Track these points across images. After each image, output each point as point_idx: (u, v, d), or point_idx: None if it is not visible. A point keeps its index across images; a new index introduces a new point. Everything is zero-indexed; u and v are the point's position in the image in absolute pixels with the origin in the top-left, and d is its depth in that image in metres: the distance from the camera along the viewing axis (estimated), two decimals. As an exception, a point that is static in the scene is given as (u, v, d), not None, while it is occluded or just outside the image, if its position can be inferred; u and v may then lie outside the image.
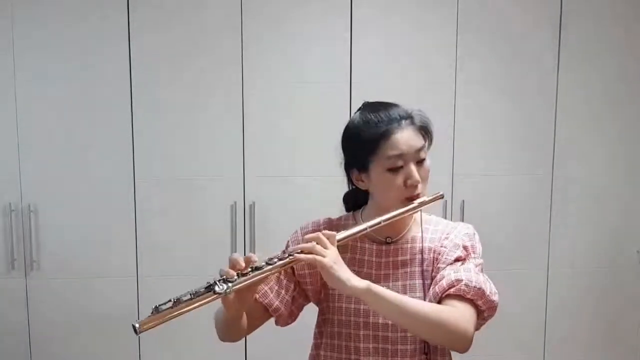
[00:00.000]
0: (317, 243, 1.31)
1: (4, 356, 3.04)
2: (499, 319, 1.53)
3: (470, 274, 1.38)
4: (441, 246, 1.45)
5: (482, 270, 1.43)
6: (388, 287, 1.39)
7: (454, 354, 1.51)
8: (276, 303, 1.47)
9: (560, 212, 3.19)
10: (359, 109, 1.46)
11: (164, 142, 3.01)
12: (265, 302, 1.46)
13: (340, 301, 1.47)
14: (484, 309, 1.38)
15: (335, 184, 1.60)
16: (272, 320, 1.51)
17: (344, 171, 1.50)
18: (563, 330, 3.27)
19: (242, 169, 3.04)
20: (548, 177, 3.17)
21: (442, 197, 1.48)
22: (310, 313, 1.57)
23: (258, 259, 1.29)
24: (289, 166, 3.06)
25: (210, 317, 1.46)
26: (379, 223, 1.39)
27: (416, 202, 1.41)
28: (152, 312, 1.19)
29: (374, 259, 1.48)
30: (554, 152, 3.16)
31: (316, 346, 1.55)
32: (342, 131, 1.47)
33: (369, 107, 1.44)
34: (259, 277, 1.28)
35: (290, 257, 1.30)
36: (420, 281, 1.44)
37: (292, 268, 1.46)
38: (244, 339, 2.98)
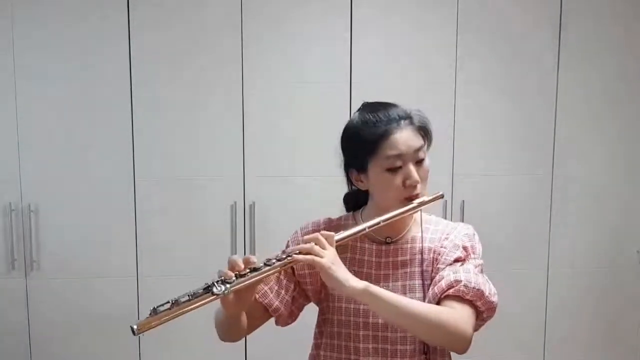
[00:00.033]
0: (316, 244, 1.31)
1: (4, 356, 3.04)
2: (499, 319, 1.53)
3: (470, 274, 1.38)
4: (441, 246, 1.45)
5: (482, 271, 1.43)
6: (388, 288, 1.39)
7: (453, 354, 1.50)
8: (276, 303, 1.47)
9: (560, 211, 3.19)
10: (358, 110, 1.46)
11: (164, 142, 3.01)
12: (265, 302, 1.46)
13: (340, 301, 1.46)
14: (483, 310, 1.38)
15: (335, 184, 1.60)
16: (272, 320, 1.51)
17: (344, 172, 1.50)
18: (563, 330, 3.27)
19: (242, 169, 3.04)
20: (548, 176, 3.17)
21: (442, 197, 1.48)
22: (310, 313, 1.57)
23: (257, 260, 1.29)
24: (289, 166, 3.06)
25: (210, 318, 1.46)
26: (378, 223, 1.39)
27: (416, 202, 1.41)
28: (150, 314, 1.19)
29: (373, 259, 1.48)
30: (553, 152, 3.16)
31: (316, 346, 1.55)
32: (341, 131, 1.47)
33: (368, 108, 1.44)
34: (257, 278, 1.28)
35: (289, 258, 1.30)
36: (420, 281, 1.44)
37: (292, 268, 1.46)
38: (244, 339, 2.98)
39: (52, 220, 3.00)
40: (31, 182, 2.97)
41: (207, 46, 2.97)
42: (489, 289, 1.39)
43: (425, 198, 1.42)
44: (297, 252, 1.30)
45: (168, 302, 1.20)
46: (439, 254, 1.44)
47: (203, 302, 1.22)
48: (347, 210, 1.59)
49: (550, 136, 3.15)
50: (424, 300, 1.40)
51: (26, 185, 2.97)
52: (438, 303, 1.37)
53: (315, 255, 1.29)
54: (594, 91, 3.15)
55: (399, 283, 1.45)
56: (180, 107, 3.00)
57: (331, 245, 1.32)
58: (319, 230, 1.37)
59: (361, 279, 1.33)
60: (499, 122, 3.13)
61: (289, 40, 3.01)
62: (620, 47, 3.13)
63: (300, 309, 1.54)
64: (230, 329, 1.44)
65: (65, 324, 3.05)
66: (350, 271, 1.33)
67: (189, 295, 1.21)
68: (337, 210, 1.60)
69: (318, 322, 1.55)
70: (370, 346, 1.44)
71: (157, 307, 1.19)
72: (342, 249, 1.38)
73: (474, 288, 1.36)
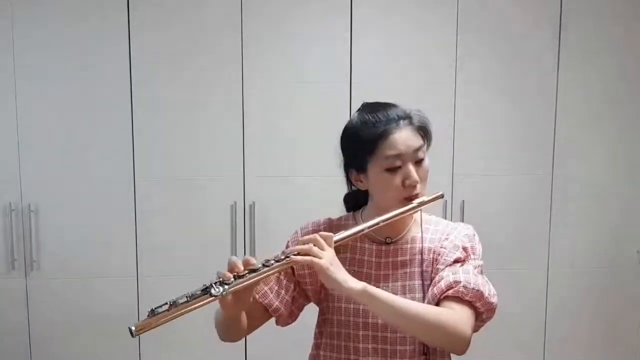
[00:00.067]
0: (314, 245, 1.31)
1: (4, 356, 3.04)
2: (499, 320, 1.52)
3: (469, 275, 1.38)
4: (441, 247, 1.45)
5: (481, 272, 1.43)
6: (387, 288, 1.39)
7: (453, 354, 1.50)
8: (276, 303, 1.47)
9: (560, 211, 3.19)
10: (357, 110, 1.46)
11: (164, 142, 3.01)
12: (265, 302, 1.46)
13: (340, 301, 1.46)
14: (482, 311, 1.38)
15: (335, 184, 1.60)
16: (272, 320, 1.51)
17: (343, 172, 1.50)
18: (563, 330, 3.27)
19: (242, 169, 3.04)
20: (548, 176, 3.17)
21: (442, 197, 1.47)
22: (310, 313, 1.57)
23: (256, 261, 1.29)
24: (289, 166, 3.06)
25: (210, 318, 1.46)
26: (378, 223, 1.39)
27: (415, 202, 1.40)
28: (148, 315, 1.19)
29: (373, 259, 1.47)
30: (553, 152, 3.16)
31: (316, 346, 1.55)
32: (341, 131, 1.47)
33: (367, 108, 1.44)
34: (255, 279, 1.28)
35: (287, 259, 1.30)
36: (420, 282, 1.44)
37: (292, 268, 1.46)
38: (244, 339, 2.97)
39: (52, 220, 3.00)
40: (31, 182, 2.97)
41: (207, 46, 2.97)
42: (489, 290, 1.39)
43: (425, 198, 1.42)
44: (296, 253, 1.30)
45: (166, 303, 1.20)
46: (439, 255, 1.44)
47: (201, 303, 1.22)
48: (347, 210, 1.59)
49: (550, 136, 3.15)
50: (423, 301, 1.40)
51: (26, 185, 2.97)
52: (437, 304, 1.36)
53: (314, 257, 1.29)
54: (594, 91, 3.14)
55: (399, 283, 1.45)
56: (180, 107, 3.00)
57: (330, 246, 1.32)
58: (319, 231, 1.37)
59: (361, 279, 1.33)
60: (499, 122, 3.13)
61: (289, 40, 3.01)
62: (620, 47, 3.13)
63: (301, 309, 1.54)
64: (230, 329, 1.44)
65: (65, 324, 3.05)
66: (350, 271, 1.33)
67: (187, 297, 1.21)
68: (337, 210, 1.60)
69: (318, 322, 1.55)
70: (370, 346, 1.44)
71: (155, 308, 1.20)
72: (342, 249, 1.38)
73: (473, 289, 1.35)
